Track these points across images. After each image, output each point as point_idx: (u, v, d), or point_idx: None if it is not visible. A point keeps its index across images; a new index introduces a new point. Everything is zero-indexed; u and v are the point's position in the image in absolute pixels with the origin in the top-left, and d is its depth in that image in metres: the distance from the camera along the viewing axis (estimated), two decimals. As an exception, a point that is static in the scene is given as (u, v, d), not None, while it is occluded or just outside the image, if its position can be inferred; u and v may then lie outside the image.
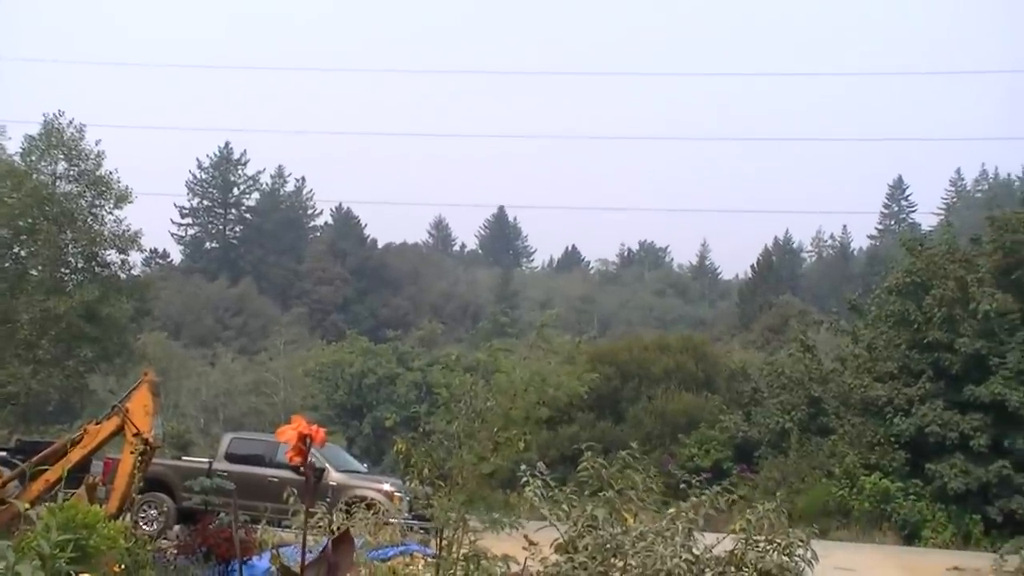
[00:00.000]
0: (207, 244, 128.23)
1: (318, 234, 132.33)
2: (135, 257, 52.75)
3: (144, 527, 22.60)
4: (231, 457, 25.53)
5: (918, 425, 45.35)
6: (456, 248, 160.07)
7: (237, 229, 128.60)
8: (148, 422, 17.51)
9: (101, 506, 16.49)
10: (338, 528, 14.47)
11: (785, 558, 9.52)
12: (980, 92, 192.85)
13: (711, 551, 9.81)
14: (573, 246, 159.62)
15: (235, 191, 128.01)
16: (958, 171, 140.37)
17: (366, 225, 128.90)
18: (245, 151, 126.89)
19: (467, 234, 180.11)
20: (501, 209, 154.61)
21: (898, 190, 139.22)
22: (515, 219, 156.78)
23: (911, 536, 43.85)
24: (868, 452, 46.57)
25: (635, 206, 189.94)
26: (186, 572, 13.94)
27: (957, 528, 43.78)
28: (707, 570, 9.57)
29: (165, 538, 18.79)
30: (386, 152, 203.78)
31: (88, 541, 8.11)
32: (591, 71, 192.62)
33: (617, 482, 10.65)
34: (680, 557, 9.46)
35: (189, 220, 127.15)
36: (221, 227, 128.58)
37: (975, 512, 43.86)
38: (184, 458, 29.92)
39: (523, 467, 10.82)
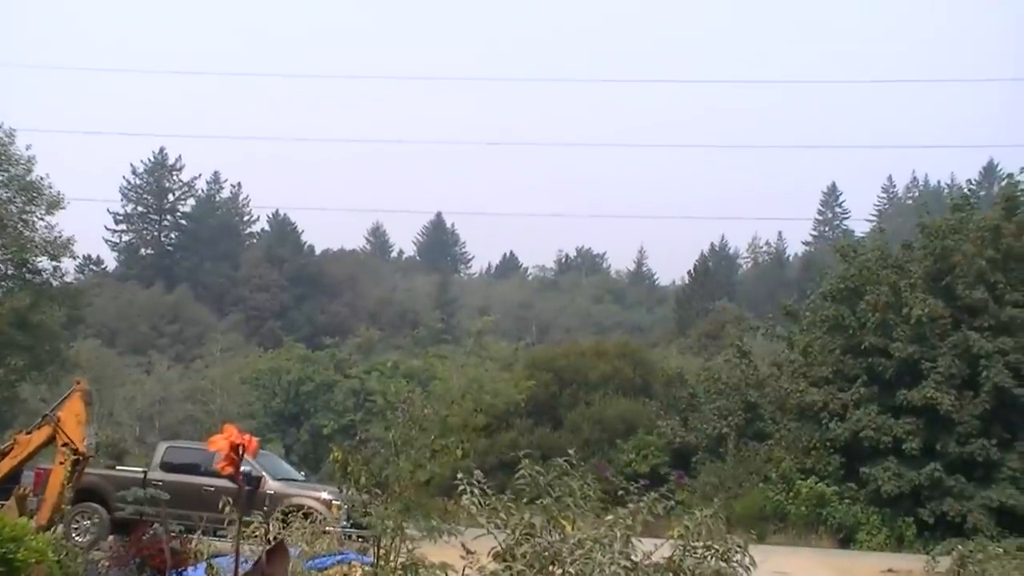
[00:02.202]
0: (142, 251, 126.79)
1: (255, 240, 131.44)
2: (68, 264, 52.04)
3: (76, 538, 22.25)
4: (166, 466, 25.23)
5: (853, 430, 45.89)
6: (394, 254, 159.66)
7: (172, 235, 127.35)
8: (80, 432, 17.25)
9: (32, 517, 16.23)
10: (274, 537, 14.31)
11: (723, 564, 9.53)
12: (910, 100, 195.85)
13: (649, 558, 9.79)
14: (511, 252, 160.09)
15: (170, 197, 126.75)
16: (890, 178, 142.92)
17: (303, 231, 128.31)
18: (180, 157, 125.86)
19: (405, 240, 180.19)
20: (439, 215, 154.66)
21: (832, 197, 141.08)
22: (453, 225, 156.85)
23: (846, 539, 44.37)
24: (804, 457, 47.07)
25: (572, 212, 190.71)
26: (119, 584, 13.72)
27: (891, 531, 44.36)
28: (645, 577, 9.55)
29: (98, 549, 18.47)
30: (323, 158, 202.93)
31: (16, 554, 7.94)
32: (528, 77, 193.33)
33: (555, 489, 10.60)
34: (618, 564, 9.42)
35: (124, 226, 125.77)
36: (156, 233, 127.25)
37: (908, 515, 44.48)
38: (118, 467, 29.50)
39: (460, 475, 10.74)
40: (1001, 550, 33.41)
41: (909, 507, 44.69)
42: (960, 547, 34.30)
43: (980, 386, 44.55)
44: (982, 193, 71.20)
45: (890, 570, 34.22)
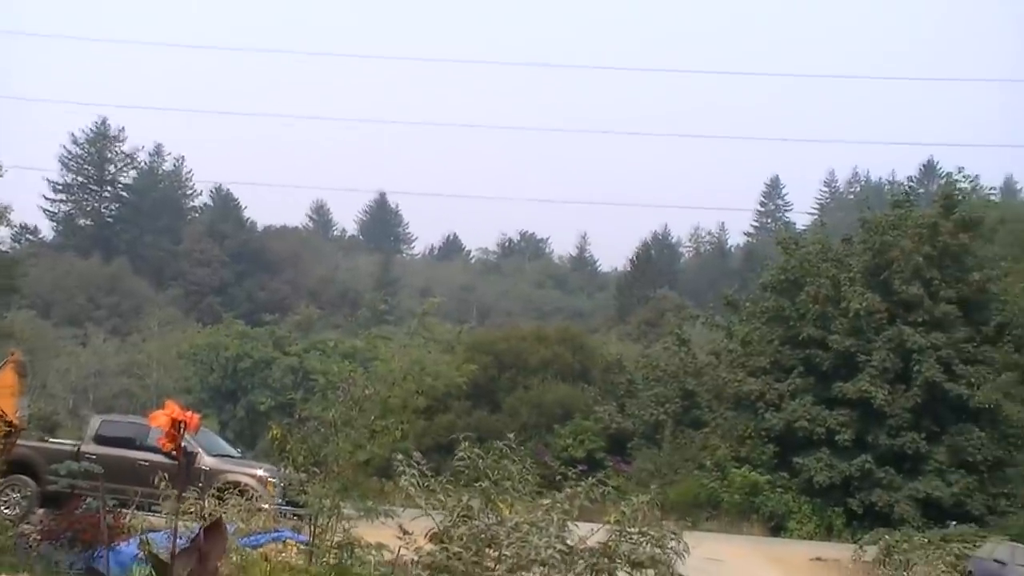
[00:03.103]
0: (80, 221, 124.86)
1: (196, 215, 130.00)
2: (3, 232, 51.19)
3: (5, 511, 21.94)
4: (100, 440, 24.88)
5: (788, 420, 46.43)
6: (336, 233, 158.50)
7: (112, 207, 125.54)
8: (12, 403, 17.01)
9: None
10: (210, 514, 14.24)
11: (657, 550, 9.64)
12: (855, 97, 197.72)
13: (585, 542, 9.88)
14: (454, 235, 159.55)
15: (111, 168, 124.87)
16: (832, 173, 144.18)
17: (245, 207, 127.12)
18: (123, 128, 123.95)
19: (347, 219, 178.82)
20: (382, 195, 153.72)
21: (774, 189, 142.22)
22: (396, 205, 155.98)
23: (777, 528, 44.92)
24: (739, 445, 47.55)
25: (516, 196, 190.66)
26: (49, 558, 13.57)
27: (821, 520, 45.00)
28: (580, 561, 9.64)
29: (28, 523, 18.25)
30: (268, 134, 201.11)
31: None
32: (476, 59, 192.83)
33: (493, 472, 10.66)
34: (554, 548, 9.52)
35: (62, 196, 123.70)
36: (96, 204, 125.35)
37: (838, 505, 45.15)
38: (50, 440, 29.08)
39: (399, 456, 10.76)
40: (926, 540, 34.16)
41: (839, 497, 45.35)
42: (887, 537, 35.04)
43: (912, 380, 45.25)
44: (921, 191, 72.03)
45: (819, 558, 34.76)
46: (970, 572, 30.36)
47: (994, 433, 44.64)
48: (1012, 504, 42.57)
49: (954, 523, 38.67)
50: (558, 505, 10.12)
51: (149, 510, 17.43)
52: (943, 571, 31.20)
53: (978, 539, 33.52)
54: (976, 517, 41.89)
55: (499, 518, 9.98)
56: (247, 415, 73.16)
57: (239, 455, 27.30)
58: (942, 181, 62.46)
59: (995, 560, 29.46)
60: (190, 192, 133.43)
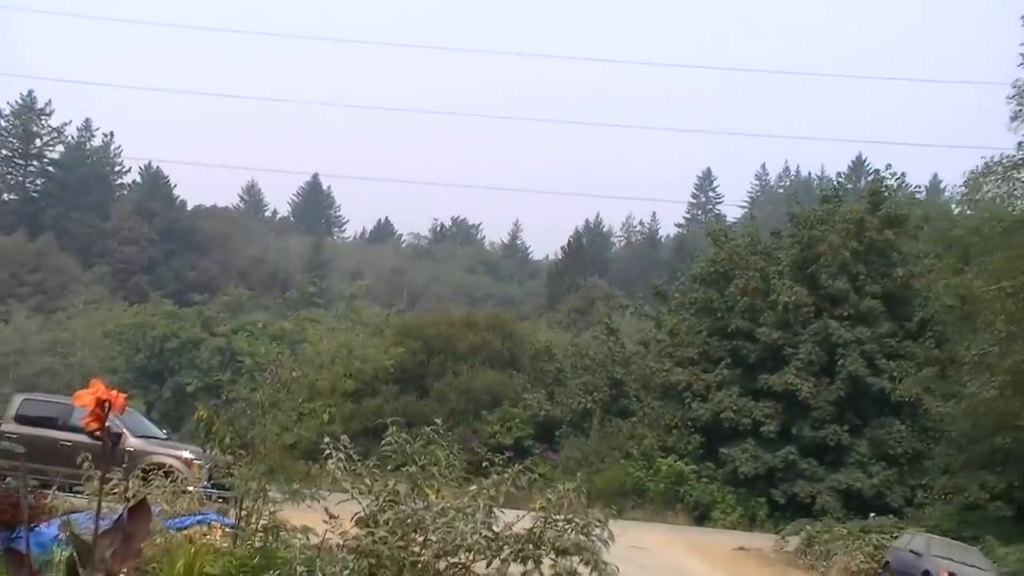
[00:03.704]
0: (4, 195, 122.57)
1: (125, 192, 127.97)
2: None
3: (-78, 490, 21.52)
4: (21, 419, 24.50)
5: (714, 411, 46.98)
6: (267, 214, 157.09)
7: (38, 182, 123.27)
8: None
9: None
10: (134, 495, 14.08)
11: (583, 537, 9.70)
12: (786, 92, 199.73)
13: (511, 528, 9.92)
14: (386, 218, 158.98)
15: (37, 142, 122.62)
16: (763, 166, 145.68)
17: (176, 185, 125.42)
18: (50, 101, 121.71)
19: (279, 200, 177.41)
20: (315, 177, 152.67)
21: (706, 181, 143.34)
22: (329, 188, 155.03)
23: (702, 517, 45.45)
24: (665, 435, 48.01)
25: (450, 181, 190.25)
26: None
27: (744, 510, 45.63)
28: (506, 547, 9.67)
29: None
30: (200, 113, 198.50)
31: None
32: (414, 43, 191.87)
33: (420, 457, 10.67)
34: (480, 534, 9.54)
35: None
36: (20, 179, 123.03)
37: (761, 495, 45.79)
38: (-31, 418, 28.60)
39: (327, 439, 10.73)
40: (845, 531, 34.82)
41: (763, 488, 45.99)
42: (808, 528, 35.65)
43: (837, 373, 45.98)
44: (850, 187, 73.23)
45: (742, 548, 35.25)
46: (887, 562, 30.96)
47: (914, 426, 45.53)
48: (929, 496, 43.47)
49: (874, 515, 39.39)
50: (484, 491, 10.14)
51: (71, 491, 17.20)
52: (862, 561, 31.83)
53: (896, 530, 34.20)
54: (895, 509, 42.73)
55: (426, 503, 9.99)
56: (173, 396, 72.40)
57: (165, 436, 27.01)
58: (870, 178, 63.36)
59: (911, 551, 30.06)
60: (119, 169, 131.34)
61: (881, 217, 48.38)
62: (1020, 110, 36.03)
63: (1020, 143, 36.55)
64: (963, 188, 44.02)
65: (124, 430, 22.18)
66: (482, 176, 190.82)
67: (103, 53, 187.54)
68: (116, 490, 14.43)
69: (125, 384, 64.07)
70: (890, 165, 57.29)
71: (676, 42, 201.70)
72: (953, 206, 54.41)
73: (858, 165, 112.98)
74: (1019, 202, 39.05)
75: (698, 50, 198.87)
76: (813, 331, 46.78)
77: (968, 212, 44.61)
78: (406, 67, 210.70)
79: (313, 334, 15.07)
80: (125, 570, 5.71)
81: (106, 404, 5.56)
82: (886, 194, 51.41)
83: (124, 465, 17.48)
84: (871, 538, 33.39)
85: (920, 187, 71.18)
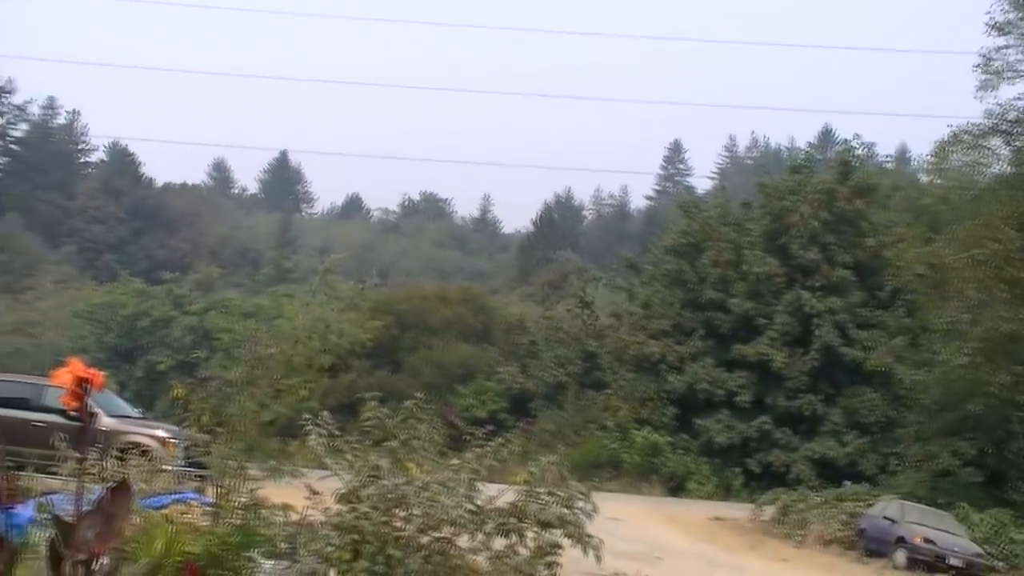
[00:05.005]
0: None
1: (91, 171, 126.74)
2: None
3: None
4: (-8, 399, 24.27)
5: (688, 382, 47.15)
6: (236, 191, 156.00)
7: (1, 161, 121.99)
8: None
9: None
10: (110, 476, 13.97)
11: (566, 510, 9.69)
12: (754, 62, 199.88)
13: (493, 502, 9.90)
14: (356, 194, 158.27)
15: (0, 120, 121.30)
16: (731, 138, 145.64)
17: (142, 163, 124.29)
18: (12, 79, 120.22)
19: (248, 177, 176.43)
20: (283, 153, 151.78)
21: (675, 153, 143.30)
22: (298, 164, 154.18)
23: (677, 488, 45.65)
24: (640, 407, 48.14)
25: (418, 156, 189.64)
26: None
27: (719, 480, 45.88)
28: (489, 521, 9.65)
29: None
30: (166, 89, 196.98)
31: None
32: (381, 17, 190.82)
33: (401, 432, 10.61)
34: (463, 508, 9.52)
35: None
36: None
37: (736, 465, 46.05)
38: (-61, 400, 28.29)
39: (306, 416, 10.65)
40: (820, 499, 35.05)
41: (738, 458, 46.25)
42: (784, 496, 35.84)
43: (810, 344, 46.20)
44: (819, 158, 73.35)
45: (717, 518, 35.41)
46: (863, 530, 31.22)
47: (887, 395, 45.82)
48: (902, 464, 43.75)
49: (848, 483, 39.68)
50: (467, 465, 10.11)
51: (46, 472, 17.05)
52: (838, 529, 32.08)
53: (870, 498, 34.47)
54: (869, 476, 43.06)
55: (408, 478, 9.94)
56: (146, 375, 72.07)
57: (139, 416, 26.81)
58: (839, 148, 63.60)
59: (885, 518, 30.35)
60: (84, 147, 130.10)
61: (850, 187, 48.55)
62: (987, 79, 36.23)
63: (987, 112, 36.77)
64: (931, 157, 44.37)
65: (98, 410, 21.98)
66: (451, 150, 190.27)
67: (67, 30, 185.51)
68: (92, 470, 14.32)
69: (97, 363, 63.39)
70: (859, 135, 57.71)
71: (644, 13, 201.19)
72: (921, 175, 54.80)
73: (826, 135, 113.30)
74: (987, 170, 39.31)
75: (666, 21, 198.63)
76: (786, 302, 46.98)
77: (936, 181, 44.91)
78: (375, 41, 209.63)
79: (289, 309, 14.92)
80: (106, 550, 5.64)
81: (85, 382, 5.47)
82: (855, 164, 51.62)
83: (99, 445, 17.32)
84: (846, 506, 33.65)
85: (889, 157, 71.73)
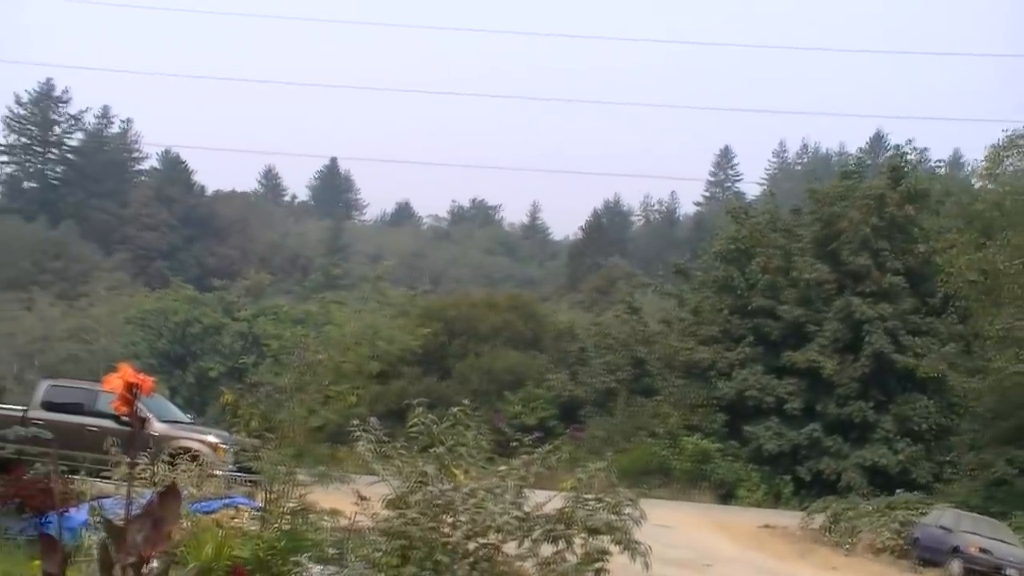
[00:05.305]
0: (25, 183, 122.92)
1: (144, 178, 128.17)
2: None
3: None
4: (48, 405, 24.54)
5: (738, 389, 46.85)
6: (286, 198, 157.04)
7: (58, 169, 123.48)
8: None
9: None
10: (161, 480, 14.10)
11: (613, 516, 9.64)
12: (805, 67, 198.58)
13: (541, 508, 9.88)
14: (406, 201, 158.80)
15: (56, 130, 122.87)
16: (781, 143, 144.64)
17: (194, 171, 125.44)
18: (67, 89, 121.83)
19: (298, 184, 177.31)
20: (333, 160, 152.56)
21: (725, 159, 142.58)
22: (348, 171, 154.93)
23: (727, 495, 45.36)
24: (690, 414, 47.93)
25: (468, 163, 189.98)
26: (-3, 524, 13.38)
27: (769, 488, 45.52)
28: (536, 527, 9.63)
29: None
30: (217, 97, 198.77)
31: None
32: (426, 25, 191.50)
33: (448, 439, 10.62)
34: (510, 514, 9.51)
35: (5, 158, 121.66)
36: (41, 166, 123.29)
37: (786, 473, 45.67)
38: (-4, 405, 28.70)
39: (355, 422, 10.69)
40: (872, 507, 34.65)
41: (788, 465, 45.87)
42: (834, 505, 35.48)
43: (861, 350, 45.75)
44: (869, 163, 72.60)
45: (767, 525, 35.13)
46: (916, 539, 30.84)
47: (939, 402, 45.29)
48: (956, 472, 43.24)
49: (900, 491, 39.24)
50: (514, 472, 10.10)
51: (98, 476, 17.23)
52: (888, 538, 31.70)
53: (924, 506, 34.02)
54: (922, 485, 42.52)
55: (454, 484, 9.94)
56: (197, 381, 72.75)
57: (190, 421, 27.04)
58: (889, 153, 63.00)
59: (940, 527, 29.95)
60: (137, 155, 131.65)
61: (901, 192, 48.06)
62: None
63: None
64: (984, 162, 43.82)
65: (149, 415, 22.20)
66: (501, 157, 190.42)
67: (120, 40, 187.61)
68: (143, 475, 14.46)
69: (148, 369, 64.05)
70: (911, 140, 57.01)
71: (694, 19, 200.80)
72: (974, 181, 54.09)
73: (877, 140, 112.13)
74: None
75: (716, 27, 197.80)
76: (836, 308, 46.57)
77: (990, 186, 44.35)
78: (424, 49, 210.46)
79: (338, 316, 14.98)
80: (156, 554, 5.68)
81: (135, 388, 5.52)
82: (906, 169, 51.06)
83: (150, 450, 17.49)
84: (897, 515, 33.23)
85: (941, 162, 70.72)
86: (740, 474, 46.19)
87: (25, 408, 24.69)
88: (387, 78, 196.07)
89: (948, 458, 44.42)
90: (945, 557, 28.93)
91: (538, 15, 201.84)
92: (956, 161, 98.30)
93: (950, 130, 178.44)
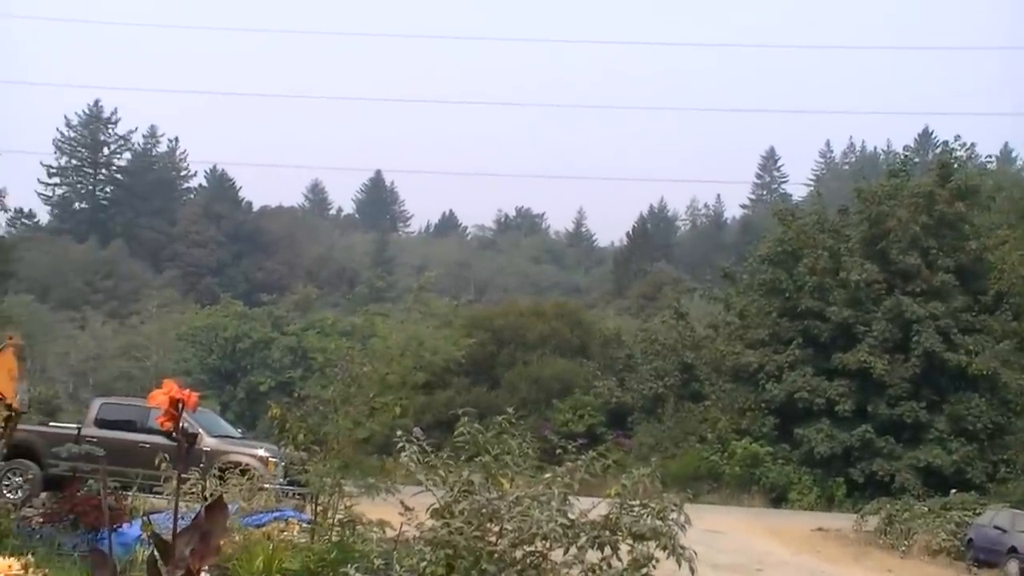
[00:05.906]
0: (76, 204, 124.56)
1: (192, 196, 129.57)
2: (-1, 217, 51.07)
3: (8, 495, 21.97)
4: (101, 423, 24.89)
5: (788, 391, 46.55)
6: (332, 212, 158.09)
7: (108, 190, 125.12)
8: (12, 387, 17.02)
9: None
10: (211, 494, 14.26)
11: (659, 522, 9.62)
12: (850, 66, 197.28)
13: (586, 516, 9.88)
14: (450, 211, 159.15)
15: (105, 150, 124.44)
16: (827, 143, 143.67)
17: (241, 187, 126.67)
18: (116, 109, 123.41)
19: (343, 198, 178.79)
20: (378, 173, 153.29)
21: (770, 160, 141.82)
22: (392, 183, 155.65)
23: (778, 499, 45.09)
24: (739, 418, 47.70)
25: (512, 172, 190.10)
26: (52, 541, 13.59)
27: (821, 491, 45.18)
28: (582, 534, 9.63)
29: (30, 506, 18.29)
30: (262, 114, 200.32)
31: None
32: (470, 35, 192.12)
33: (493, 447, 10.66)
34: (555, 521, 9.50)
35: (57, 179, 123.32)
36: (91, 187, 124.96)
37: (839, 475, 45.32)
38: (51, 424, 29.14)
39: (400, 432, 10.75)
40: (926, 508, 34.30)
41: (840, 467, 45.52)
42: (888, 506, 35.15)
43: (911, 350, 45.34)
44: (917, 160, 71.96)
45: (820, 528, 34.88)
46: (971, 540, 30.48)
47: (993, 401, 44.79)
48: (1012, 471, 42.73)
49: (955, 491, 38.78)
50: (559, 479, 10.11)
51: (151, 492, 17.45)
52: (944, 539, 31.38)
53: (979, 507, 33.63)
54: (977, 485, 42.05)
55: (500, 493, 9.97)
56: (247, 396, 73.41)
57: (240, 436, 27.30)
58: (938, 150, 62.42)
59: (996, 527, 29.56)
60: (185, 173, 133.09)
61: (951, 189, 47.60)
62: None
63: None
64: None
65: (200, 430, 22.44)
66: (545, 165, 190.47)
67: (165, 59, 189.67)
68: (194, 489, 14.62)
69: (199, 385, 64.87)
70: (959, 136, 56.40)
71: (737, 21, 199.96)
72: (1025, 175, 53.50)
73: (925, 137, 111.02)
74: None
75: (759, 29, 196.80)
76: (885, 308, 46.16)
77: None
78: (466, 59, 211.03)
79: (382, 328, 15.06)
80: (205, 567, 5.76)
81: (180, 403, 5.61)
82: (955, 166, 50.57)
83: (201, 465, 17.68)
84: (953, 515, 32.88)
85: (991, 157, 70.07)
86: (791, 477, 45.88)
87: (79, 426, 25.06)
88: (431, 90, 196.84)
89: (1004, 457, 43.90)
90: (1002, 558, 28.56)
91: (580, 22, 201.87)
92: (1007, 155, 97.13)
93: (999, 125, 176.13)
